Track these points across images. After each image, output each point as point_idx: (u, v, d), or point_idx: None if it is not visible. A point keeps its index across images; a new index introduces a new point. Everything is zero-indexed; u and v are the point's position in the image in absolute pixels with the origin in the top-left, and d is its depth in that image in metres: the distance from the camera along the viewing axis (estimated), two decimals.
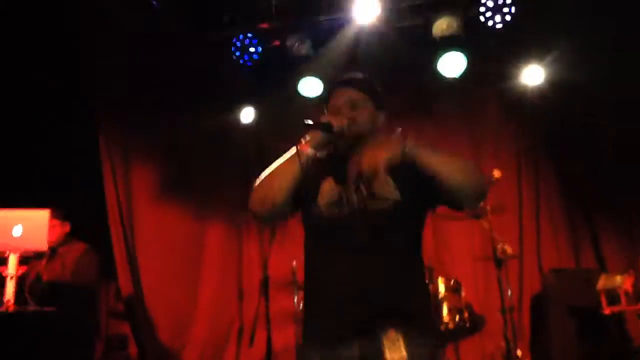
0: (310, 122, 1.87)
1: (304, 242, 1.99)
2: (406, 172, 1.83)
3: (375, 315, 1.78)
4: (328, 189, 1.94)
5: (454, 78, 4.80)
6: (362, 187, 1.90)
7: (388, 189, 1.88)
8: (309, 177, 1.90)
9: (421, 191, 1.87)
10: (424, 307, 1.91)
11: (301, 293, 4.10)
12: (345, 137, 1.90)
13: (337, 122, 1.88)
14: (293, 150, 1.88)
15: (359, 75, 2.08)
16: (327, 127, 1.87)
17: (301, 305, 1.92)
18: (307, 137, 1.88)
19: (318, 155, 1.89)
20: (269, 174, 1.92)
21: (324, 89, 4.19)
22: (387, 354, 1.76)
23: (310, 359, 1.88)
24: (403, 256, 1.87)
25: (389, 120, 2.10)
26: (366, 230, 1.84)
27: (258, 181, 1.94)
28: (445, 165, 1.80)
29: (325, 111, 2.02)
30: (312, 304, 1.95)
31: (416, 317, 1.83)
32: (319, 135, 1.87)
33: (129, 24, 4.76)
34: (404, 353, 1.76)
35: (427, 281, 1.94)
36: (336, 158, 1.97)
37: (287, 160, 1.89)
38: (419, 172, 1.81)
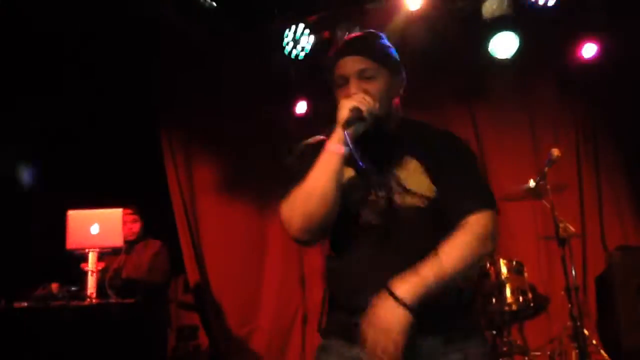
0: (342, 120, 1.54)
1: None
2: (439, 159, 1.58)
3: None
4: (350, 175, 1.63)
5: (507, 58, 4.75)
6: (391, 177, 1.60)
7: (421, 182, 1.58)
8: None
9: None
10: (468, 305, 1.60)
11: None
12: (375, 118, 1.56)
13: (363, 105, 1.54)
14: (325, 157, 1.56)
15: (365, 37, 1.70)
16: (359, 116, 1.52)
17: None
18: (336, 136, 1.56)
19: (350, 149, 1.53)
20: (306, 195, 1.55)
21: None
22: None
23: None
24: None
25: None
26: (396, 228, 1.55)
27: (290, 204, 1.59)
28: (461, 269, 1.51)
29: (337, 95, 1.65)
30: (335, 293, 1.66)
31: (458, 316, 1.54)
32: (351, 128, 1.52)
33: (184, 25, 4.90)
34: None
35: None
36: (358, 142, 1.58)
37: (322, 170, 1.54)
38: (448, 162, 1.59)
